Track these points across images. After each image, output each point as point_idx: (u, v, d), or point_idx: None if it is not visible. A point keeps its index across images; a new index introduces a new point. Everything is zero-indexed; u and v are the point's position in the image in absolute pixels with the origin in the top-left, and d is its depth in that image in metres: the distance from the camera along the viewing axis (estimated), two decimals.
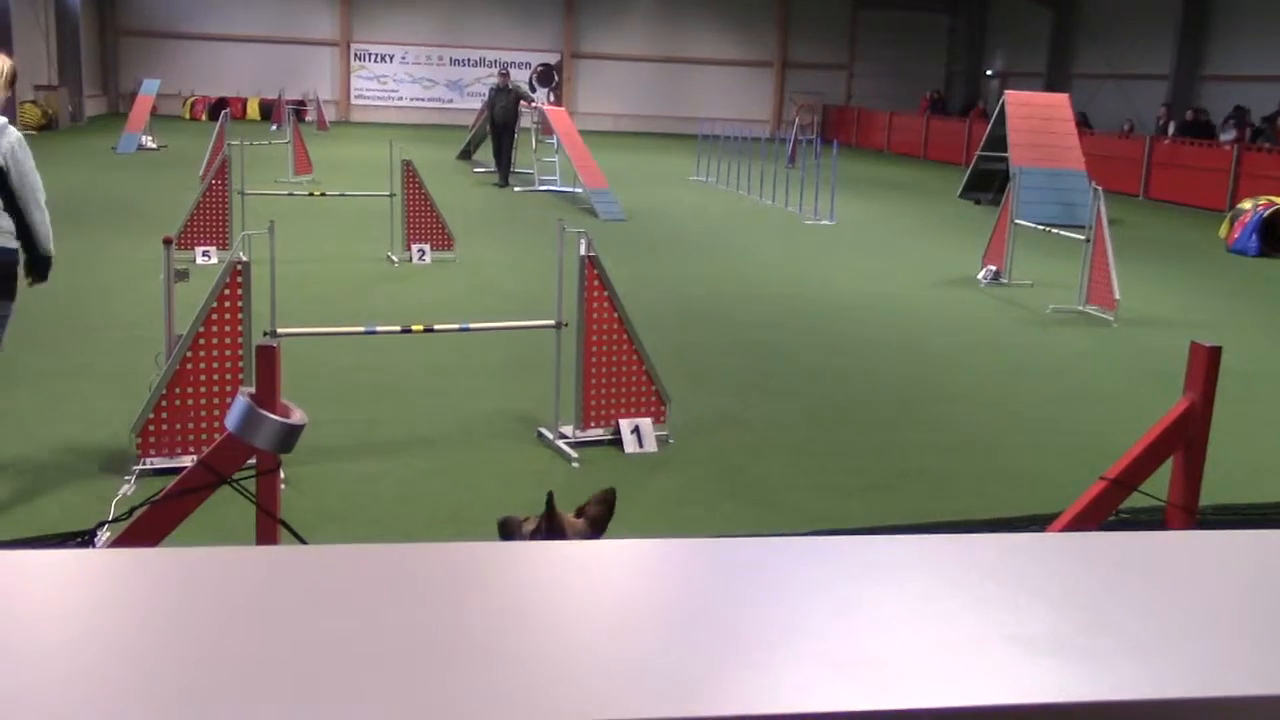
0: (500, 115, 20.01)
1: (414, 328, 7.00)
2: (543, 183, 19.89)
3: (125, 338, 8.39)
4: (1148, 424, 3.53)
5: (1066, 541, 1.37)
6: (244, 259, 5.78)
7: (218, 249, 11.55)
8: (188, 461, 5.48)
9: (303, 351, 7.40)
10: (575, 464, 6.22)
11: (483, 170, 21.74)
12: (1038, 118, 18.80)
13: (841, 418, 7.43)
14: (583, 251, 6.45)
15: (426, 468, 6.18)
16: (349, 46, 36.67)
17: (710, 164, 22.85)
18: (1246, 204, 16.85)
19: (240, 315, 5.76)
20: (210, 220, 11.77)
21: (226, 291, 5.73)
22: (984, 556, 1.21)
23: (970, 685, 0.92)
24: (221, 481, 2.59)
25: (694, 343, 9.17)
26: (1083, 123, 23.69)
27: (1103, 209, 10.77)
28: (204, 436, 5.68)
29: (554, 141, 19.32)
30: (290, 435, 2.58)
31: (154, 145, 23.52)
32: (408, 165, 12.19)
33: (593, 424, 6.56)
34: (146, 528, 2.66)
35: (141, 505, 2.71)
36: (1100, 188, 11.14)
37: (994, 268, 12.44)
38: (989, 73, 36.68)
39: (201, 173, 15.95)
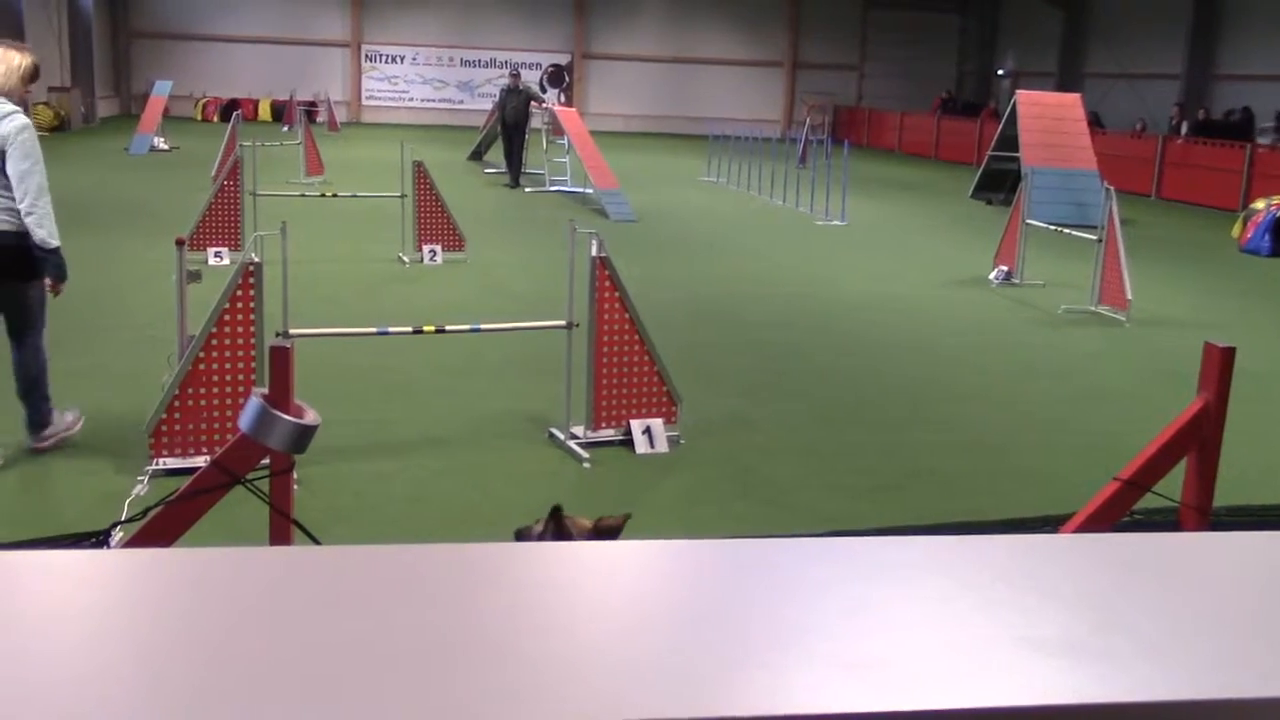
0: (511, 116, 20.02)
1: (425, 328, 7.01)
2: (553, 183, 19.91)
3: (137, 338, 8.42)
4: (1160, 424, 3.52)
5: (1079, 542, 1.37)
6: (256, 260, 5.80)
7: (230, 250, 11.57)
8: (200, 462, 5.50)
9: (314, 352, 7.41)
10: (586, 464, 6.22)
11: (493, 171, 21.75)
12: (1049, 117, 18.75)
13: (852, 418, 7.42)
14: (594, 252, 6.45)
15: (438, 468, 6.19)
16: (360, 47, 36.73)
17: (721, 164, 22.84)
18: (1260, 204, 16.77)
19: (252, 316, 5.77)
20: (222, 221, 11.80)
21: (239, 292, 5.74)
22: (996, 557, 1.21)
23: (983, 686, 0.92)
24: (235, 482, 2.60)
25: (705, 343, 9.17)
26: (1095, 122, 23.63)
27: (1115, 209, 10.74)
28: (216, 437, 5.70)
29: (565, 142, 19.33)
30: (304, 436, 2.58)
31: (166, 146, 23.57)
32: (419, 166, 12.21)
33: (604, 424, 6.56)
34: (161, 528, 2.67)
35: (156, 505, 2.72)
36: (1112, 188, 11.11)
37: (1005, 268, 12.42)
38: (1000, 72, 36.60)
39: (213, 174, 15.98)
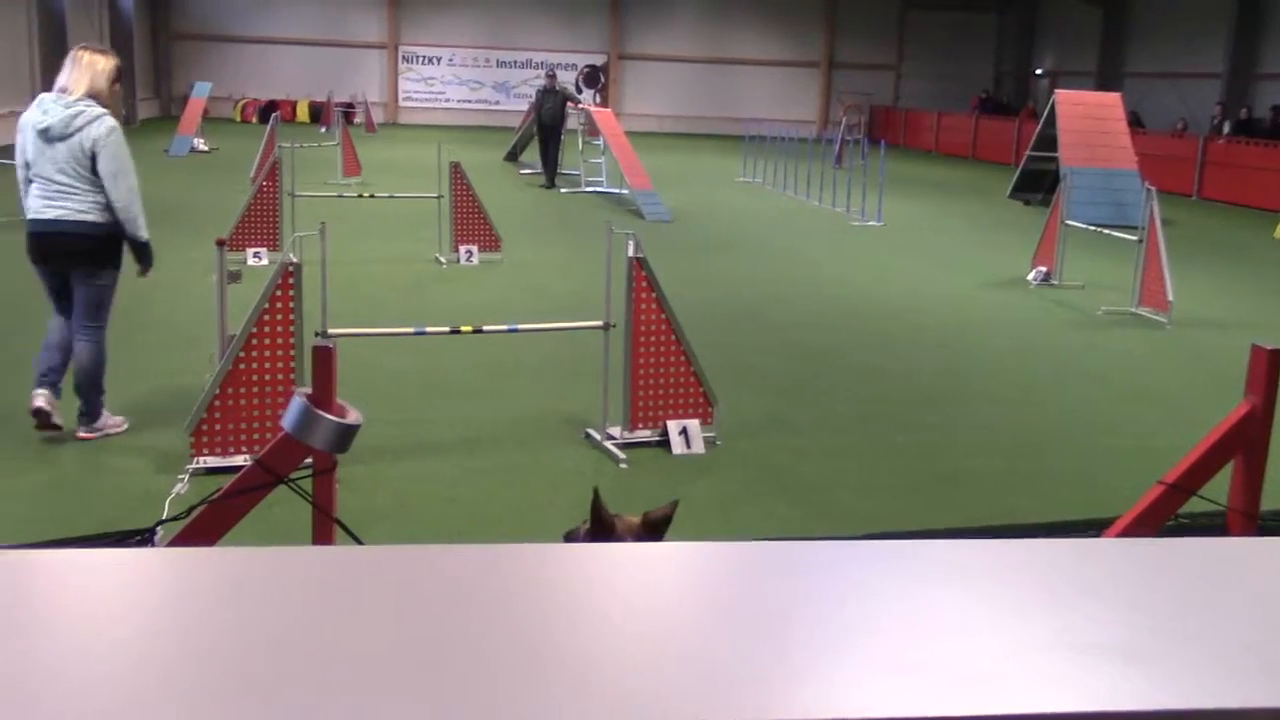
0: (547, 116, 20.08)
1: (463, 329, 7.03)
2: (589, 184, 19.93)
3: (177, 338, 8.49)
4: (1203, 428, 3.48)
5: (1127, 546, 1.35)
6: (295, 260, 5.84)
7: (269, 250, 11.66)
8: (240, 461, 5.54)
9: (352, 352, 7.45)
10: (623, 465, 6.22)
11: (529, 171, 21.81)
12: (1089, 117, 18.58)
13: (890, 419, 7.38)
14: (630, 253, 6.45)
15: (475, 468, 6.21)
16: (397, 49, 36.94)
17: (756, 164, 22.79)
18: None
19: (292, 316, 5.82)
20: (261, 222, 11.89)
21: (278, 292, 5.78)
22: (1045, 561, 1.20)
23: (1044, 691, 0.90)
24: (279, 481, 2.61)
25: (741, 344, 9.15)
26: (1135, 122, 23.41)
27: (1156, 209, 10.63)
28: (256, 436, 5.74)
29: (600, 143, 19.35)
30: (346, 436, 2.59)
31: (205, 148, 23.78)
32: (455, 167, 12.25)
33: (640, 425, 6.56)
34: (204, 526, 2.69)
35: (200, 504, 2.74)
36: (1153, 188, 11.00)
37: (1044, 269, 12.32)
38: (1038, 72, 36.34)
39: (252, 175, 16.11)
